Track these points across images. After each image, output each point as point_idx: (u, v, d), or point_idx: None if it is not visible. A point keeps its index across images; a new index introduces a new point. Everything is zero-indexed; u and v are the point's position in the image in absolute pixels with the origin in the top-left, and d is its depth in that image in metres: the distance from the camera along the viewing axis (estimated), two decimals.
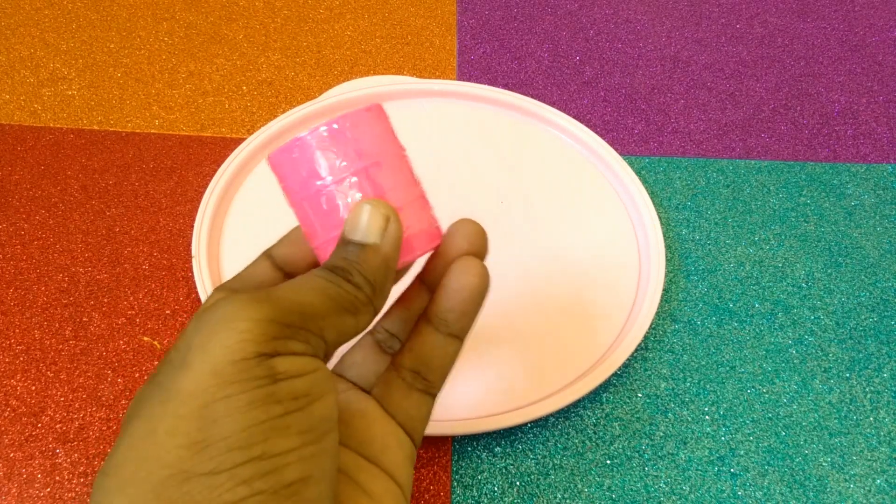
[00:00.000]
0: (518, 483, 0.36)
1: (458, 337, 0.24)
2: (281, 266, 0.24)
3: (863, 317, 0.44)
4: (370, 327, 0.27)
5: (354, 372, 0.25)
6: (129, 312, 0.41)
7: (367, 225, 0.21)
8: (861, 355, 0.42)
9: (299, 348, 0.18)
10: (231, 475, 0.16)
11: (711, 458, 0.37)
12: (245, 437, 0.17)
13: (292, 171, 0.22)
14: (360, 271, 0.20)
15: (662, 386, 0.40)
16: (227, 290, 0.22)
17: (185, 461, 0.16)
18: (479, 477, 0.36)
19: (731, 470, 0.37)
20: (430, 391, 0.24)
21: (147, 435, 0.17)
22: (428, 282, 0.25)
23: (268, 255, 0.24)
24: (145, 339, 0.40)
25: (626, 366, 0.41)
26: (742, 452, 0.37)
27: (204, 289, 0.39)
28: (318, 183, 0.21)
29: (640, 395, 0.40)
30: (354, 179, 0.21)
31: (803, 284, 0.45)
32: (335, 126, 0.21)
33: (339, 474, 0.22)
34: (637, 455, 0.37)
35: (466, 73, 0.59)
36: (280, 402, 0.17)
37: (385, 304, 0.22)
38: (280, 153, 0.22)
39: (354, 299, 0.20)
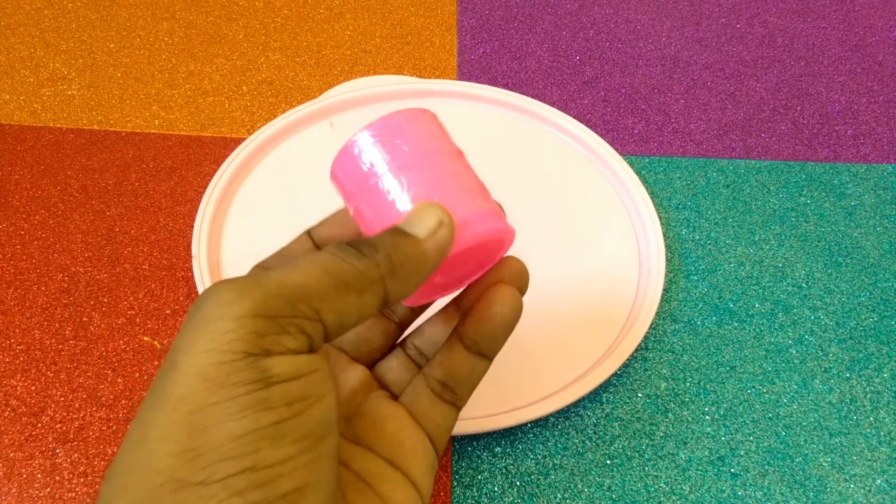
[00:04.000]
0: (518, 483, 0.36)
1: (488, 357, 0.25)
2: (321, 246, 0.23)
3: (863, 317, 0.44)
4: (400, 338, 0.27)
5: (391, 377, 0.26)
6: (129, 312, 0.41)
7: (416, 219, 0.20)
8: (861, 355, 0.42)
9: (293, 343, 0.17)
10: (223, 486, 0.16)
11: (711, 458, 0.37)
12: (236, 448, 0.16)
13: (353, 168, 0.21)
14: (384, 248, 0.19)
15: (662, 386, 0.40)
16: (259, 268, 0.22)
17: (177, 469, 0.16)
18: (479, 477, 0.36)
19: (732, 470, 0.37)
20: (456, 403, 0.25)
21: (140, 441, 0.16)
22: (462, 306, 0.25)
23: (308, 233, 0.24)
24: (145, 338, 0.40)
25: (626, 366, 0.41)
26: (742, 452, 0.37)
27: (204, 288, 0.39)
28: (378, 172, 0.21)
29: (640, 395, 0.40)
30: (411, 172, 0.21)
31: (803, 284, 0.45)
32: (396, 118, 0.21)
33: (358, 481, 0.22)
34: (637, 455, 0.37)
35: (466, 72, 0.59)
36: (273, 408, 0.17)
37: (404, 297, 0.20)
38: (341, 155, 0.21)
39: (360, 274, 0.18)
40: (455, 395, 0.25)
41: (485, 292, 0.24)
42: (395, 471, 0.23)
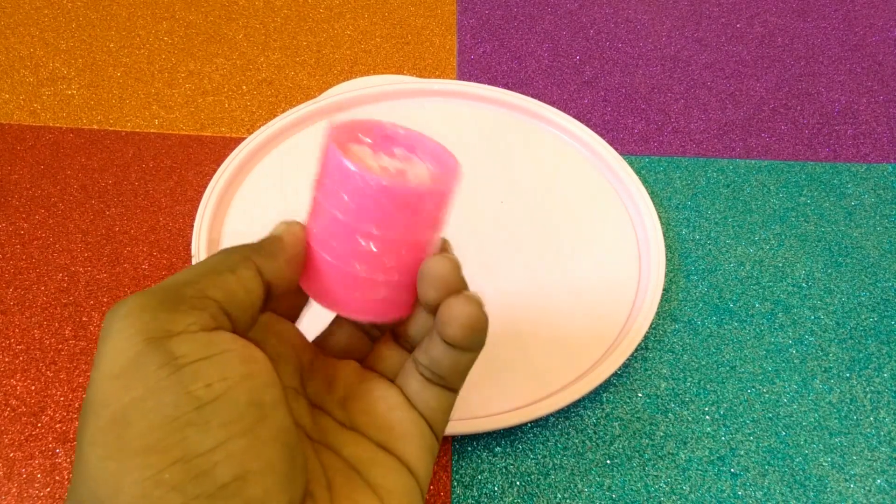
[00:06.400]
0: (518, 483, 0.36)
1: (472, 351, 0.23)
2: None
3: (863, 316, 0.44)
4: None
5: (383, 365, 0.25)
6: None
7: (275, 229, 0.22)
8: (861, 355, 0.42)
9: (191, 319, 0.18)
10: (158, 482, 0.16)
11: (712, 458, 0.37)
12: (162, 438, 0.16)
13: (345, 184, 0.21)
14: (243, 243, 0.21)
15: (662, 386, 0.40)
16: None
17: (111, 472, 0.16)
18: (479, 477, 0.36)
19: (732, 470, 0.37)
20: (449, 387, 0.24)
21: (79, 455, 0.16)
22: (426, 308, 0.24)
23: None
24: None
25: (626, 366, 0.41)
26: (742, 452, 0.37)
27: None
28: (358, 224, 0.21)
29: (640, 394, 0.40)
30: (379, 239, 0.21)
31: (803, 284, 0.45)
32: (419, 192, 0.21)
33: (347, 468, 0.22)
34: (637, 455, 0.37)
35: (466, 72, 0.59)
36: (189, 392, 0.16)
37: (276, 271, 0.21)
38: (358, 171, 0.20)
39: (225, 258, 0.20)
40: (445, 381, 0.23)
41: (439, 308, 0.22)
42: (387, 455, 0.22)
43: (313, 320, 0.26)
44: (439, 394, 0.24)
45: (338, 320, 0.26)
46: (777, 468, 0.37)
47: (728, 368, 0.41)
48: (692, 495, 0.36)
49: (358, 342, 0.26)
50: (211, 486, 0.16)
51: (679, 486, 0.36)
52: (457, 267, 0.22)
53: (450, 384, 0.24)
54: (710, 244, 0.47)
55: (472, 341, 0.22)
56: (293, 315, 0.26)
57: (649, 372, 0.41)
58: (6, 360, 0.39)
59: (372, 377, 0.25)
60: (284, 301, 0.25)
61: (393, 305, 0.23)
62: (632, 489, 0.36)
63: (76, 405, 0.38)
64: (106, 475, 0.16)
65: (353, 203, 0.21)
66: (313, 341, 0.26)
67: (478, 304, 0.22)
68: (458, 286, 0.22)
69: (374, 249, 0.21)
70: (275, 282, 0.21)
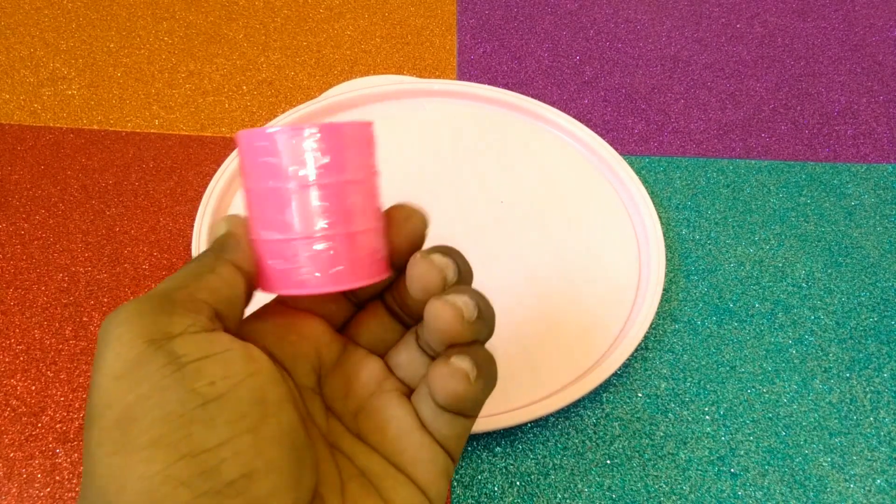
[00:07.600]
0: (518, 483, 0.36)
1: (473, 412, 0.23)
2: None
3: (863, 317, 0.44)
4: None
5: (402, 373, 0.24)
6: None
7: (215, 227, 0.22)
8: (861, 355, 0.42)
9: (189, 321, 0.18)
10: (166, 477, 0.16)
11: (711, 458, 0.37)
12: (168, 433, 0.16)
13: (264, 157, 0.21)
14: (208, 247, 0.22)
15: (662, 386, 0.40)
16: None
17: (118, 467, 0.16)
18: (479, 477, 0.36)
19: (732, 470, 0.37)
20: (464, 415, 0.23)
21: (87, 456, 0.17)
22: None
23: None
24: None
25: (626, 366, 0.41)
26: (742, 452, 0.37)
27: None
28: (287, 184, 0.21)
29: (640, 395, 0.40)
30: (322, 190, 0.21)
31: (803, 284, 0.45)
32: (325, 131, 0.21)
33: (360, 477, 0.22)
34: (637, 455, 0.37)
35: (466, 72, 0.59)
36: (194, 390, 0.17)
37: (246, 258, 0.21)
38: (260, 136, 0.21)
39: (201, 262, 0.20)
40: (459, 411, 0.23)
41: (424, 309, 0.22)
42: (398, 472, 0.22)
43: None
44: (452, 421, 0.23)
45: (370, 309, 0.26)
46: (777, 468, 0.37)
47: (728, 368, 0.41)
48: (692, 495, 0.36)
49: (389, 332, 0.25)
50: (218, 483, 0.16)
51: (679, 486, 0.36)
52: (439, 270, 0.21)
53: (464, 413, 0.23)
54: (710, 244, 0.47)
55: (468, 408, 0.22)
56: (324, 308, 0.25)
57: (649, 372, 0.41)
58: (6, 360, 0.39)
59: (388, 389, 0.24)
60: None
61: (360, 263, 0.22)
62: (632, 489, 0.36)
63: (76, 405, 0.38)
64: (113, 471, 0.16)
65: (284, 161, 0.21)
66: (346, 329, 0.25)
67: (464, 376, 0.21)
68: (440, 290, 0.21)
69: (319, 203, 0.21)
70: (250, 270, 0.21)
